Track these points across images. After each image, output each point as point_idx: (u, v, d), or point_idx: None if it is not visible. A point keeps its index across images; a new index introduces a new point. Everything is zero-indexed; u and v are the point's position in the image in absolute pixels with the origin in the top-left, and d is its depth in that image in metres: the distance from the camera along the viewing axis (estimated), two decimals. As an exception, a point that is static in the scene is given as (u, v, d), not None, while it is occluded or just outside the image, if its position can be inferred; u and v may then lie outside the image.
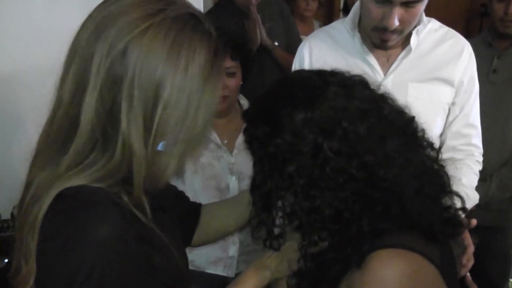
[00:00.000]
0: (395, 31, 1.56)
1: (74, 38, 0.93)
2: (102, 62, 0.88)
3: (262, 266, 1.19)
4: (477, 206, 1.82)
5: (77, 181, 0.91)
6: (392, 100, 1.04)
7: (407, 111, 1.05)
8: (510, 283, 1.10)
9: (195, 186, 1.92)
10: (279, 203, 1.04)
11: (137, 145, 0.89)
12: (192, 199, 1.43)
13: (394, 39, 1.61)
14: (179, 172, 1.01)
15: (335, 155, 0.95)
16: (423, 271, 0.93)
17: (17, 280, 0.93)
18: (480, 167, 1.78)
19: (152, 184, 0.96)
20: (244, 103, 2.10)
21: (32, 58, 2.22)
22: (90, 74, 0.89)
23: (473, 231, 1.53)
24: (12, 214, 2.21)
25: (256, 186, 1.04)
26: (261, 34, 2.79)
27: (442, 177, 1.05)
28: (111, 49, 0.88)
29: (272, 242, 1.09)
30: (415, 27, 1.65)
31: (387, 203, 0.96)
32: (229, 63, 1.93)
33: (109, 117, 0.90)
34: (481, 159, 1.79)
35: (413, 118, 1.05)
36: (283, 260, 1.18)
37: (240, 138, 2.00)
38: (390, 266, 0.91)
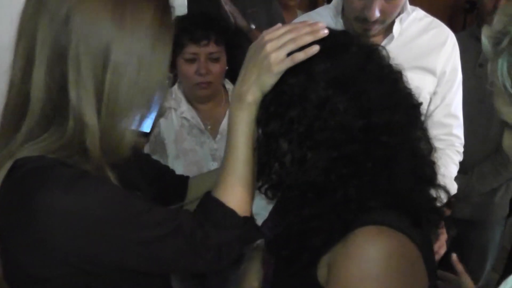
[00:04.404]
0: (376, 21, 1.58)
1: (20, 16, 0.91)
2: (46, 34, 0.88)
3: (238, 97, 1.01)
4: (457, 199, 1.83)
5: (29, 152, 0.90)
6: (406, 78, 1.04)
7: (415, 97, 1.05)
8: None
9: (176, 172, 1.90)
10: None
11: (89, 116, 0.88)
12: (172, 184, 1.41)
13: (375, 29, 1.62)
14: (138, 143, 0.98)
15: (342, 111, 0.94)
16: (406, 251, 0.94)
17: None
18: (460, 157, 1.80)
19: (113, 156, 0.93)
20: (230, 87, 2.08)
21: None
22: (36, 49, 0.88)
23: (452, 223, 1.55)
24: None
25: (260, 126, 1.02)
26: (234, 16, 2.73)
27: (433, 170, 1.05)
28: (52, 19, 0.87)
29: (267, 190, 1.05)
30: (398, 15, 1.66)
31: (376, 175, 0.95)
32: (213, 48, 1.91)
33: (60, 91, 0.88)
34: (461, 149, 1.80)
35: (420, 104, 1.05)
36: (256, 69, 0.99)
37: (224, 124, 1.99)
38: (374, 243, 0.92)
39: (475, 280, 2.49)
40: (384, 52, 1.02)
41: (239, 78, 1.01)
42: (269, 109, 0.99)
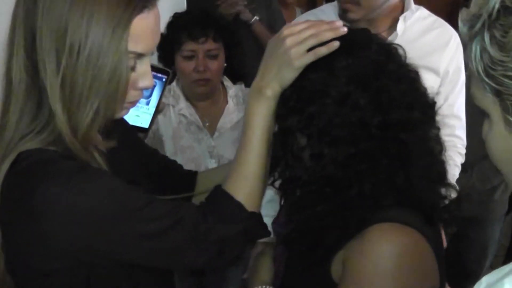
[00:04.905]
0: (350, 0, 1.56)
1: None
2: (21, 14, 0.88)
3: (257, 91, 1.00)
4: (457, 196, 1.81)
5: (31, 145, 0.90)
6: (422, 78, 1.04)
7: (431, 96, 1.05)
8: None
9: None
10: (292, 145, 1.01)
11: (52, 99, 0.87)
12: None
13: (354, 11, 1.59)
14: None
15: (362, 108, 0.94)
16: (420, 248, 0.95)
17: None
18: (462, 159, 1.78)
19: (84, 142, 0.92)
20: (228, 84, 2.08)
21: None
22: (16, 30, 0.89)
23: (451, 221, 1.52)
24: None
25: (278, 121, 1.02)
26: (239, 9, 2.76)
27: (444, 168, 1.07)
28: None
29: (280, 185, 1.05)
30: (402, 13, 1.65)
31: (392, 172, 0.96)
32: (211, 45, 1.91)
33: (37, 72, 0.88)
34: (463, 151, 1.78)
35: (435, 103, 1.05)
36: (279, 66, 0.98)
37: (222, 121, 1.99)
38: (388, 240, 0.93)
39: (475, 277, 2.50)
40: (401, 51, 1.03)
41: (259, 72, 1.00)
42: (288, 104, 0.99)
